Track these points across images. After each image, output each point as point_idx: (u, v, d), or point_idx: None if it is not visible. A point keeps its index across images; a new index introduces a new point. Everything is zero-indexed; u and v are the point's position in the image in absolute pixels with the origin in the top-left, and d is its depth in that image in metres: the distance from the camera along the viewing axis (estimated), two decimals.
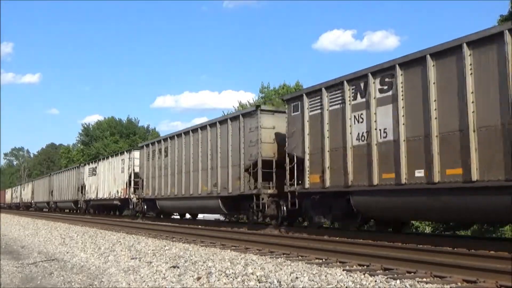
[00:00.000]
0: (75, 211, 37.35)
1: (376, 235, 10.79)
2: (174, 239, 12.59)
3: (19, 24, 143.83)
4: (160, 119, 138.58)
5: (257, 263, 7.69)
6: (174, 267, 8.06)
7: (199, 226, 16.64)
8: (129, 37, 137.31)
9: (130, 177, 25.10)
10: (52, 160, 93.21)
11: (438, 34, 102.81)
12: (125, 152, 26.73)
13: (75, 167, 36.08)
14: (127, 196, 25.05)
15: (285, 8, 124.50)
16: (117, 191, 26.70)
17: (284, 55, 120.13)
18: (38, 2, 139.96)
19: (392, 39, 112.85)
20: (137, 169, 24.53)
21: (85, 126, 65.62)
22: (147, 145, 23.27)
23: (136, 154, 24.99)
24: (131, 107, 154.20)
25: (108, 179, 28.52)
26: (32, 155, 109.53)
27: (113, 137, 59.64)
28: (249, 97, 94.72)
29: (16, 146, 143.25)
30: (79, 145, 67.86)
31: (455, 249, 8.10)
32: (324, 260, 7.94)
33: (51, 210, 42.25)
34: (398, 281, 5.82)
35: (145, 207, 23.57)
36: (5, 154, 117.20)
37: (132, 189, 24.73)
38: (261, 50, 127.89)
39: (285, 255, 8.80)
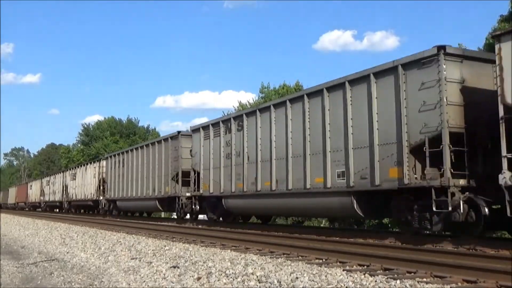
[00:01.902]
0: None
1: (376, 235, 10.80)
2: (174, 239, 12.59)
3: (20, 25, 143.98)
4: (160, 119, 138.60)
5: (257, 263, 7.69)
6: (174, 267, 8.06)
7: (199, 226, 16.65)
8: (129, 37, 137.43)
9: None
10: (52, 160, 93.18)
11: (438, 34, 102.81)
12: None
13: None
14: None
15: (285, 8, 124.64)
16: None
17: (284, 55, 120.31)
18: (38, 2, 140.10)
19: (392, 40, 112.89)
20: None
21: (85, 126, 65.65)
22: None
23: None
24: (131, 107, 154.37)
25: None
26: (32, 155, 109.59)
27: (113, 137, 59.62)
28: (249, 97, 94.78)
29: (16, 146, 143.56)
30: (79, 145, 67.84)
31: (455, 249, 8.11)
32: (324, 260, 7.94)
33: (190, 219, 18.77)
34: (398, 281, 5.83)
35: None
36: (5, 154, 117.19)
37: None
38: (261, 50, 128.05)
39: (285, 255, 8.80)
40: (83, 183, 31.37)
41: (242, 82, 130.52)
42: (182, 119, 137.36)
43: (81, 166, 33.55)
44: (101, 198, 27.60)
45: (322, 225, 22.64)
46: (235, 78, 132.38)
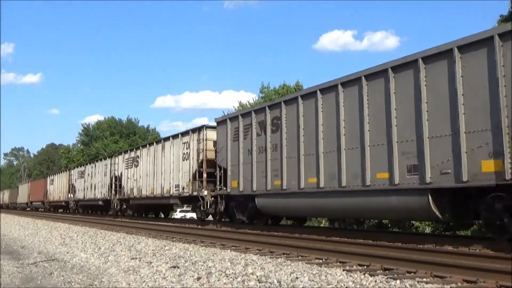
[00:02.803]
0: None
1: (376, 235, 10.80)
2: (174, 239, 12.59)
3: (20, 25, 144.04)
4: (160, 119, 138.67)
5: (257, 263, 7.69)
6: (174, 267, 8.06)
7: (199, 226, 16.64)
8: (129, 38, 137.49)
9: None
10: (52, 160, 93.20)
11: (438, 34, 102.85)
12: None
13: None
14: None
15: (285, 8, 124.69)
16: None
17: (284, 55, 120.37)
18: (38, 2, 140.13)
19: (392, 40, 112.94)
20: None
21: (85, 126, 65.70)
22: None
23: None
24: (131, 107, 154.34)
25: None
26: (32, 155, 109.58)
27: (113, 137, 59.66)
28: (249, 97, 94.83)
29: (16, 146, 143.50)
30: (79, 145, 67.85)
31: (455, 249, 8.11)
32: (324, 260, 7.95)
33: None
34: (398, 281, 5.83)
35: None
36: (5, 154, 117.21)
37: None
38: (261, 50, 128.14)
39: (285, 255, 8.81)
40: (155, 170, 20.27)
41: (242, 82, 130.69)
42: (182, 119, 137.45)
43: (148, 145, 21.78)
44: (205, 193, 16.26)
45: (322, 225, 22.66)
46: (235, 78, 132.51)
